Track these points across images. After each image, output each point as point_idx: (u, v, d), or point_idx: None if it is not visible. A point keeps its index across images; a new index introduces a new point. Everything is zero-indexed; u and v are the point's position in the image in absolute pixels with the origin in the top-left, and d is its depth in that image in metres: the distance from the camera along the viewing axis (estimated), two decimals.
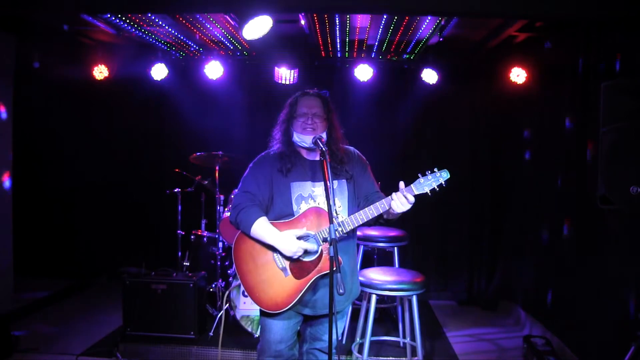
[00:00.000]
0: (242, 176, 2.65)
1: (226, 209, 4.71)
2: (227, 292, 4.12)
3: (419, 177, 2.43)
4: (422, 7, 3.24)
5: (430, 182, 2.42)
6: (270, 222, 2.49)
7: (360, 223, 2.44)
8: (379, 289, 3.37)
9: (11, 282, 4.84)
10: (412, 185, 2.43)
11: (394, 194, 2.41)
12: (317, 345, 2.71)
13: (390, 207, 2.41)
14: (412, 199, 2.39)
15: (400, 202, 2.38)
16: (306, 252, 2.46)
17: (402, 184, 2.44)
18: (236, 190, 2.70)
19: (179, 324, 4.12)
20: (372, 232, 4.40)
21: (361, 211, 2.44)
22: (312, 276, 2.44)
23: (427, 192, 2.42)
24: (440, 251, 5.82)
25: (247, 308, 4.22)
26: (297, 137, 2.57)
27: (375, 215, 2.43)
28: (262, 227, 2.46)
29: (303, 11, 3.94)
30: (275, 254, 2.50)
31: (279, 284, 2.47)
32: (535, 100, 4.90)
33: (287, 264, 2.48)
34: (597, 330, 3.55)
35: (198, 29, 4.66)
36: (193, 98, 5.78)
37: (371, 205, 2.43)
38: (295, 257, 2.43)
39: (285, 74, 5.24)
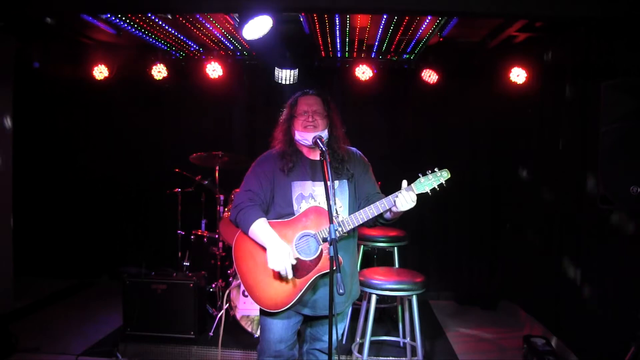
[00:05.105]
0: (245, 175, 2.66)
1: (226, 209, 4.71)
2: (227, 292, 4.12)
3: (419, 177, 2.44)
4: (422, 7, 3.24)
5: (431, 181, 2.43)
6: (270, 221, 2.49)
7: (360, 222, 2.45)
8: (379, 289, 3.37)
9: (11, 282, 4.85)
10: (412, 184, 2.44)
11: (399, 191, 2.42)
12: (317, 346, 2.71)
13: (392, 206, 2.42)
14: (415, 198, 2.41)
15: (406, 199, 2.39)
16: (304, 251, 2.45)
17: (404, 183, 2.45)
18: (237, 189, 2.70)
19: (179, 324, 4.12)
20: (372, 232, 4.40)
21: (361, 210, 2.44)
22: (312, 275, 2.44)
23: (427, 192, 2.43)
24: (440, 251, 5.82)
25: (247, 308, 4.23)
26: (298, 136, 2.57)
27: (375, 214, 2.43)
28: (259, 229, 2.46)
29: (303, 11, 3.94)
30: None
31: (279, 283, 2.47)
32: (535, 100, 4.90)
33: None
34: (597, 330, 3.55)
35: (198, 29, 4.66)
36: (193, 98, 5.78)
37: (371, 205, 2.43)
38: (275, 269, 2.39)
39: (285, 74, 5.24)
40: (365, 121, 5.63)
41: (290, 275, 2.40)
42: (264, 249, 2.49)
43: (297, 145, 2.62)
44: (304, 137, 2.55)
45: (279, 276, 2.44)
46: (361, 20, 4.32)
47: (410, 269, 3.76)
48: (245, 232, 2.51)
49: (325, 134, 2.56)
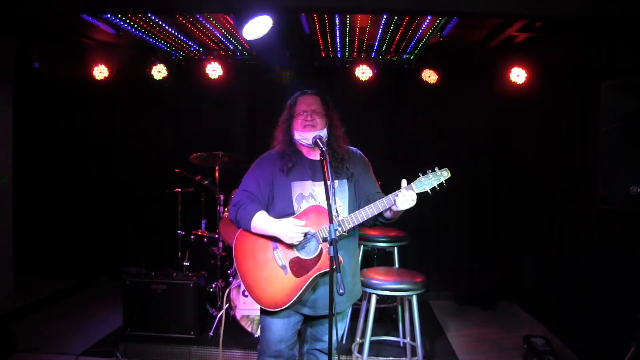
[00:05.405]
0: (244, 175, 2.66)
1: (226, 209, 4.71)
2: (227, 292, 4.12)
3: (419, 176, 2.44)
4: (422, 7, 3.24)
5: (431, 180, 2.43)
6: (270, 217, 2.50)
7: (360, 221, 2.45)
8: (379, 289, 3.37)
9: (11, 282, 4.85)
10: (412, 183, 2.44)
11: (399, 190, 2.42)
12: (318, 346, 2.71)
13: (392, 205, 2.41)
14: (415, 197, 2.41)
15: (406, 198, 2.39)
16: (304, 249, 2.46)
17: (404, 182, 2.45)
18: (236, 190, 2.70)
19: (179, 324, 4.12)
20: (372, 231, 4.40)
21: (361, 209, 2.44)
22: (312, 274, 2.44)
23: (427, 191, 2.43)
24: (440, 251, 5.82)
25: (247, 308, 4.23)
26: (298, 136, 2.57)
27: (375, 213, 2.44)
28: (261, 220, 2.47)
29: (303, 11, 3.94)
30: (275, 252, 2.50)
31: (279, 282, 2.47)
32: (535, 100, 4.91)
33: (287, 262, 2.49)
34: (597, 330, 3.55)
35: (198, 29, 4.66)
36: (193, 98, 5.79)
37: (371, 204, 2.44)
38: (296, 242, 2.43)
39: (285, 74, 5.24)
40: (365, 121, 5.62)
41: (311, 231, 2.44)
42: (265, 247, 2.50)
43: (296, 145, 2.62)
44: (303, 136, 2.55)
45: (295, 259, 2.46)
46: (361, 20, 4.32)
47: (410, 269, 3.76)
48: (247, 228, 2.52)
49: (324, 133, 2.56)
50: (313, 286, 2.51)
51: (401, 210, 2.43)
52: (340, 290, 2.08)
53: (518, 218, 5.30)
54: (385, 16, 4.18)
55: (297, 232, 2.42)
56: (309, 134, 2.52)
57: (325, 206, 2.32)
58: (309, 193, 2.54)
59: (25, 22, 4.49)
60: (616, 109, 2.70)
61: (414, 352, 3.68)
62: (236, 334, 4.23)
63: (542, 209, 4.68)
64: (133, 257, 5.46)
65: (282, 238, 2.44)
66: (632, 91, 2.67)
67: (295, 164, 2.57)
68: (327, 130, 2.58)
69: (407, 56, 5.48)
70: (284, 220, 2.45)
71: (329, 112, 2.61)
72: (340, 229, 2.40)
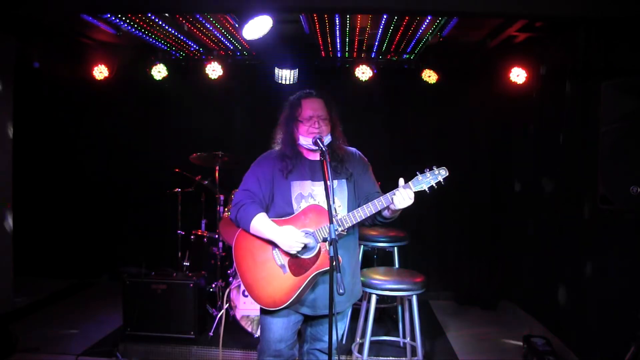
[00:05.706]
0: (244, 175, 2.66)
1: (226, 209, 4.71)
2: (227, 292, 4.12)
3: (417, 175, 2.44)
4: (422, 7, 3.24)
5: (428, 179, 2.43)
6: (270, 220, 2.50)
7: (359, 220, 2.45)
8: (379, 289, 3.37)
9: (11, 281, 4.84)
10: (410, 182, 2.44)
11: (397, 189, 2.42)
12: (318, 346, 2.71)
13: (390, 203, 2.42)
14: (412, 195, 2.40)
15: (403, 196, 2.39)
16: (305, 248, 2.46)
17: (401, 181, 2.45)
18: (237, 190, 2.70)
19: (179, 324, 4.12)
20: (372, 231, 4.41)
21: (359, 208, 2.45)
22: (311, 273, 2.44)
23: (425, 190, 2.43)
24: (440, 251, 5.82)
25: (247, 308, 4.23)
26: (303, 141, 2.57)
27: (373, 211, 2.44)
28: (260, 222, 2.47)
29: (303, 11, 3.94)
30: (274, 251, 2.51)
31: (278, 281, 2.47)
32: (535, 100, 4.90)
33: (285, 261, 2.49)
34: (597, 330, 3.55)
35: (198, 29, 4.66)
36: (193, 98, 5.78)
37: (369, 203, 2.44)
38: (293, 251, 2.44)
39: (285, 74, 5.24)
40: (365, 121, 5.62)
41: (312, 243, 2.43)
42: (264, 247, 2.51)
43: (298, 147, 2.62)
44: (308, 142, 2.55)
45: (292, 260, 2.46)
46: (361, 20, 4.32)
47: (410, 269, 3.76)
48: (246, 229, 2.52)
49: (329, 138, 2.56)
50: (312, 286, 2.51)
51: (399, 209, 2.44)
52: (340, 290, 2.08)
53: (518, 218, 5.30)
54: (385, 16, 4.18)
55: (296, 241, 2.41)
56: (312, 140, 2.52)
57: (325, 206, 2.32)
58: (309, 193, 2.54)
59: (25, 22, 4.49)
60: (616, 109, 2.69)
61: (414, 352, 3.68)
62: (236, 334, 4.23)
63: (542, 209, 4.68)
64: (133, 257, 5.45)
65: (280, 245, 2.44)
66: (632, 91, 2.66)
67: (295, 165, 2.58)
68: (330, 133, 2.58)
69: (407, 56, 5.48)
70: (285, 227, 2.45)
71: (332, 115, 2.61)
72: (339, 228, 2.41)
